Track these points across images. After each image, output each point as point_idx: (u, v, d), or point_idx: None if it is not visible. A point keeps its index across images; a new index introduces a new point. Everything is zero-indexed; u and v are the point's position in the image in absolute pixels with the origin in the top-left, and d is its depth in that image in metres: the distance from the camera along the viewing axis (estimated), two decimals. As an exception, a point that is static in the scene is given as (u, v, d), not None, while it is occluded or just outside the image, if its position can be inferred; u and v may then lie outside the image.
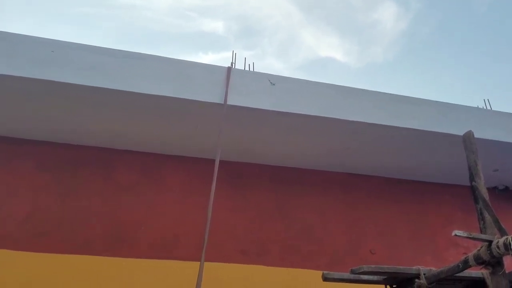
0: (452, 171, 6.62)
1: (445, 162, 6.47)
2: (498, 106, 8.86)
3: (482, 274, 3.88)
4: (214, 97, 5.20)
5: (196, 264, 4.32)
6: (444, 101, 6.14)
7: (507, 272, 3.51)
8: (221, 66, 5.44)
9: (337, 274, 4.28)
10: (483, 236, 3.40)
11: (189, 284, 4.39)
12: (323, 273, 4.28)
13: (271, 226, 6.00)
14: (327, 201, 6.41)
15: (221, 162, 4.86)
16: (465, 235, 3.27)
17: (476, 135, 4.14)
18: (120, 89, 4.99)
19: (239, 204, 6.03)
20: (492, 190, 7.03)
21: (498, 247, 3.26)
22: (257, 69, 5.88)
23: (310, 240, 6.05)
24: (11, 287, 4.85)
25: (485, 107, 6.72)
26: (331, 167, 6.57)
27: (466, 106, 6.23)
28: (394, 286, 4.40)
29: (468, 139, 3.97)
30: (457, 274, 3.89)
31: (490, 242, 3.34)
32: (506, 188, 7.20)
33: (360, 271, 3.96)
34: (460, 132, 4.38)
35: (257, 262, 5.68)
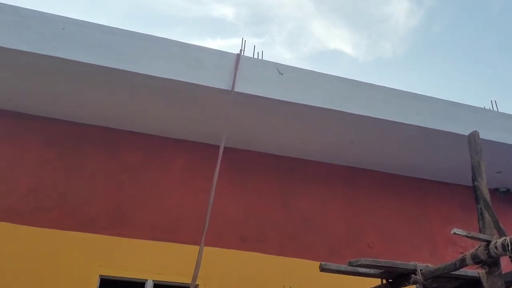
0: (455, 170, 6.63)
1: (448, 161, 6.48)
2: (505, 108, 8.85)
3: (478, 274, 3.91)
4: (222, 83, 5.21)
5: (196, 248, 4.37)
6: (450, 100, 6.13)
7: (503, 273, 3.54)
8: (231, 53, 5.45)
9: (334, 266, 4.32)
10: (481, 236, 3.43)
11: (188, 267, 4.45)
12: (320, 264, 4.33)
13: (271, 214, 6.04)
14: (328, 192, 6.44)
15: (225, 148, 4.88)
16: (464, 233, 3.30)
17: (481, 136, 4.15)
18: (128, 69, 5.01)
19: (241, 191, 6.07)
20: (493, 191, 7.05)
21: (496, 247, 3.29)
22: (265, 57, 5.89)
23: (310, 231, 6.09)
24: (11, 260, 4.91)
25: (491, 108, 6.71)
26: (334, 160, 6.59)
27: (472, 106, 6.23)
28: (390, 280, 4.44)
29: (473, 139, 3.98)
30: (454, 272, 3.93)
31: (489, 242, 3.37)
32: (508, 190, 7.21)
33: (358, 263, 4.00)
34: (465, 131, 4.39)
35: (256, 249, 5.72)
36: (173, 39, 5.34)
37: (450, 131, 5.86)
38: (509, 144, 6.08)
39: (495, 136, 6.00)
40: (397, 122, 5.76)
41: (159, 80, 5.10)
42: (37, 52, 4.81)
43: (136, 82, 5.13)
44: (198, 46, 5.40)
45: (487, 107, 6.68)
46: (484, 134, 5.23)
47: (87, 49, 4.95)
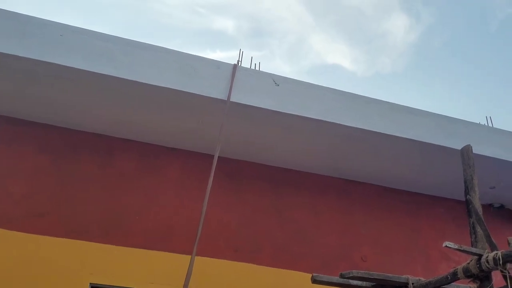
0: (448, 185, 6.64)
1: (442, 175, 6.49)
2: (500, 124, 8.87)
3: (470, 288, 3.91)
4: (218, 93, 5.23)
5: (188, 257, 4.34)
6: (446, 115, 6.17)
7: (494, 287, 3.54)
8: (227, 63, 5.47)
9: (326, 277, 4.31)
10: (473, 250, 3.43)
11: (179, 277, 4.42)
12: (312, 275, 4.32)
13: (265, 225, 6.02)
14: (322, 205, 6.44)
15: (219, 158, 4.88)
16: (456, 247, 3.30)
17: (475, 151, 4.17)
18: (125, 77, 5.02)
19: (235, 201, 6.06)
20: (487, 207, 7.06)
21: (487, 261, 3.29)
22: (265, 70, 5.88)
23: (303, 242, 6.07)
24: (3, 266, 4.87)
25: (487, 124, 6.74)
26: (328, 172, 6.60)
27: (467, 121, 6.26)
28: (382, 293, 4.42)
29: (466, 153, 4.00)
30: (445, 286, 3.92)
31: (480, 256, 3.37)
32: (502, 206, 7.22)
33: (350, 275, 3.99)
34: (459, 146, 4.40)
35: (248, 260, 5.70)
36: (170, 48, 5.38)
37: (445, 145, 5.88)
38: (503, 160, 6.09)
39: (490, 152, 6.02)
40: (392, 135, 5.77)
41: (155, 89, 5.11)
42: (34, 58, 4.82)
43: (132, 90, 5.15)
44: (194, 55, 5.42)
45: (482, 123, 6.70)
46: (478, 150, 5.29)
47: (84, 56, 4.97)
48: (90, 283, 5.04)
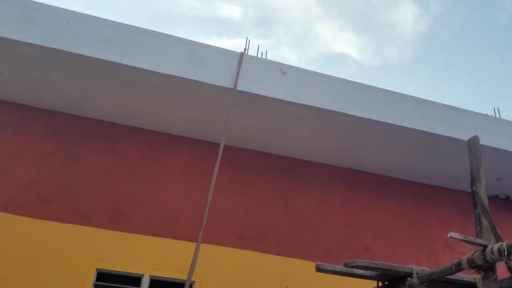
0: (455, 176, 6.62)
1: (448, 167, 6.47)
2: (508, 115, 8.82)
3: (474, 279, 3.92)
4: (224, 81, 5.22)
5: (193, 244, 4.37)
6: (453, 105, 6.14)
7: (499, 278, 3.54)
8: (234, 51, 5.45)
9: (330, 266, 4.33)
10: (478, 241, 3.43)
11: (185, 264, 4.45)
12: (316, 264, 4.34)
13: (270, 214, 6.04)
14: (328, 194, 6.44)
15: (225, 147, 4.89)
16: (461, 238, 3.30)
17: (482, 142, 4.15)
18: (132, 65, 5.02)
19: (240, 189, 6.08)
20: (493, 198, 7.04)
21: (492, 252, 3.29)
22: (271, 58, 5.86)
23: (308, 232, 6.09)
24: (10, 250, 4.93)
25: (494, 115, 6.69)
26: (335, 162, 6.59)
27: (474, 112, 6.22)
28: (386, 282, 4.44)
29: (473, 144, 3.99)
30: (450, 277, 3.93)
31: (485, 247, 3.37)
32: (508, 197, 7.20)
33: (354, 264, 4.01)
34: (466, 137, 4.39)
35: (253, 248, 5.73)
36: (177, 35, 5.37)
37: (452, 136, 5.86)
38: (510, 151, 6.06)
39: (497, 143, 5.99)
40: (400, 126, 5.75)
41: (161, 76, 5.11)
42: (41, 44, 4.83)
43: (139, 77, 5.15)
44: (201, 43, 5.41)
45: (490, 114, 6.66)
46: (485, 141, 5.25)
47: (91, 43, 4.97)
48: (97, 269, 5.09)
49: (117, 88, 5.37)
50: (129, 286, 5.14)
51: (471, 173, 3.88)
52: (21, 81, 5.39)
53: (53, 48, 4.86)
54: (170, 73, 5.10)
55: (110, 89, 5.40)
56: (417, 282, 3.97)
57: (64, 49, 4.88)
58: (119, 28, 5.15)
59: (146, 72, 5.08)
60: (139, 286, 5.15)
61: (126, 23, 5.23)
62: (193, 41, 5.39)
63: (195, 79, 5.16)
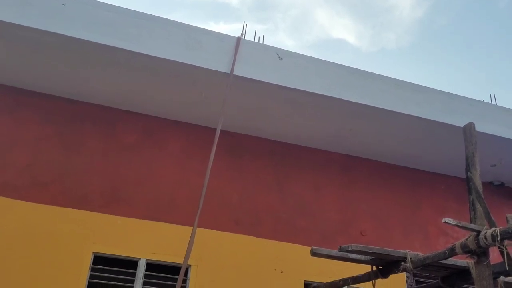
0: (450, 162, 6.66)
1: (444, 153, 6.51)
2: (504, 102, 8.85)
3: (467, 264, 3.96)
4: (221, 66, 5.21)
5: (189, 229, 4.40)
6: (449, 92, 6.15)
7: (492, 263, 3.58)
8: (231, 36, 5.44)
9: (325, 250, 4.36)
10: (472, 226, 3.45)
11: (181, 248, 4.48)
12: (312, 249, 4.37)
13: (266, 198, 6.08)
14: (324, 179, 6.48)
15: (222, 132, 4.90)
16: (455, 223, 3.32)
17: (477, 128, 4.16)
18: (127, 48, 5.00)
19: (236, 174, 6.10)
20: (487, 185, 7.09)
21: (485, 237, 3.32)
22: (268, 44, 5.84)
23: (303, 216, 6.13)
24: (6, 234, 4.94)
25: (491, 102, 6.71)
26: (331, 147, 6.61)
27: (470, 98, 6.25)
28: (380, 267, 4.48)
29: (468, 130, 3.99)
30: (443, 262, 3.97)
31: (478, 232, 3.40)
32: (502, 184, 7.25)
33: (349, 249, 4.03)
34: (462, 123, 4.39)
35: (249, 232, 5.77)
36: (174, 20, 5.34)
37: (448, 122, 5.88)
38: (505, 138, 6.10)
39: (492, 130, 6.02)
40: (395, 112, 5.77)
41: (158, 61, 5.09)
42: (37, 27, 4.80)
43: (136, 61, 5.13)
44: (198, 27, 5.39)
45: (486, 101, 6.68)
46: (481, 127, 5.26)
47: (87, 26, 4.94)
48: (93, 252, 5.12)
49: (114, 72, 5.35)
50: (125, 269, 5.17)
51: (466, 159, 3.89)
52: (16, 65, 5.36)
53: (49, 32, 4.83)
54: (167, 58, 5.08)
55: (107, 73, 5.37)
56: (411, 267, 4.01)
57: (60, 33, 4.85)
58: (115, 11, 5.11)
59: (143, 56, 5.05)
60: (136, 270, 5.18)
61: (123, 6, 5.19)
62: (190, 25, 5.37)
63: (191, 63, 5.15)
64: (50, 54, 5.12)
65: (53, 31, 4.83)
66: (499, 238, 3.24)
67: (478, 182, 3.69)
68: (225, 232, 5.66)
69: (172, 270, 5.24)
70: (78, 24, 4.91)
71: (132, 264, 5.23)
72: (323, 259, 4.58)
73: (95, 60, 5.17)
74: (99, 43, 4.92)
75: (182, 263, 4.19)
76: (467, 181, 3.77)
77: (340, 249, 4.14)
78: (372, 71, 5.90)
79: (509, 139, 6.11)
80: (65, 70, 5.36)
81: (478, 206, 3.58)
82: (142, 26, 5.13)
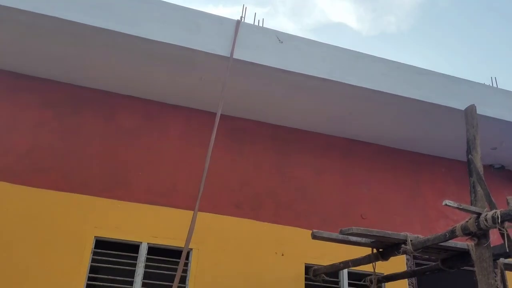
0: (451, 145, 6.67)
1: (445, 136, 6.50)
2: (505, 85, 8.81)
3: (467, 246, 3.98)
4: (221, 49, 5.17)
5: (190, 213, 4.41)
6: (450, 74, 6.12)
7: (492, 245, 3.60)
8: (230, 19, 5.39)
9: (326, 233, 4.39)
10: (472, 208, 3.47)
11: (182, 231, 4.50)
12: (312, 232, 4.40)
13: (267, 182, 6.08)
14: (324, 163, 6.48)
15: (222, 116, 4.88)
16: (455, 205, 3.34)
17: (478, 111, 4.15)
18: (126, 32, 4.96)
19: (237, 158, 6.10)
20: (488, 167, 7.10)
21: (486, 219, 3.33)
22: (268, 27, 5.79)
23: (304, 200, 6.15)
24: (8, 219, 4.96)
25: (491, 85, 6.69)
26: (332, 131, 6.60)
27: (471, 81, 6.22)
28: (380, 250, 4.52)
29: (470, 113, 3.99)
30: (443, 244, 4.00)
31: (479, 214, 3.42)
32: (502, 167, 7.26)
33: (349, 232, 4.06)
34: (463, 106, 4.38)
35: (250, 216, 5.79)
36: (173, 2, 5.28)
37: (449, 105, 5.86)
38: (506, 121, 6.09)
39: (493, 112, 6.01)
40: (396, 95, 5.75)
41: (157, 44, 5.06)
42: (35, 11, 4.75)
43: (135, 45, 5.09)
44: (197, 10, 5.33)
45: (487, 84, 6.65)
46: (482, 110, 5.27)
47: (85, 9, 4.89)
48: (95, 236, 5.14)
49: (113, 56, 5.31)
50: (127, 253, 5.21)
51: (467, 142, 3.90)
52: (15, 49, 5.32)
53: (47, 15, 4.78)
54: (165, 41, 5.05)
55: (105, 57, 5.34)
56: (411, 249, 4.04)
57: (58, 16, 4.80)
58: (113, -6, 5.06)
59: (141, 39, 5.02)
60: (137, 253, 5.21)
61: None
62: (189, 8, 5.32)
63: (191, 47, 5.11)
64: (49, 38, 5.08)
65: (51, 14, 4.78)
66: (499, 220, 3.25)
67: (479, 165, 3.69)
68: (226, 216, 5.68)
69: (174, 253, 5.26)
70: (75, 7, 4.86)
71: (133, 248, 5.26)
72: (324, 242, 4.61)
73: (93, 44, 5.13)
74: (96, 26, 4.88)
75: (183, 246, 4.20)
76: (468, 164, 3.78)
77: (341, 232, 4.17)
78: (373, 54, 5.88)
79: (510, 121, 6.10)
80: (64, 54, 5.32)
81: (478, 188, 3.59)
82: (140, 9, 5.09)
